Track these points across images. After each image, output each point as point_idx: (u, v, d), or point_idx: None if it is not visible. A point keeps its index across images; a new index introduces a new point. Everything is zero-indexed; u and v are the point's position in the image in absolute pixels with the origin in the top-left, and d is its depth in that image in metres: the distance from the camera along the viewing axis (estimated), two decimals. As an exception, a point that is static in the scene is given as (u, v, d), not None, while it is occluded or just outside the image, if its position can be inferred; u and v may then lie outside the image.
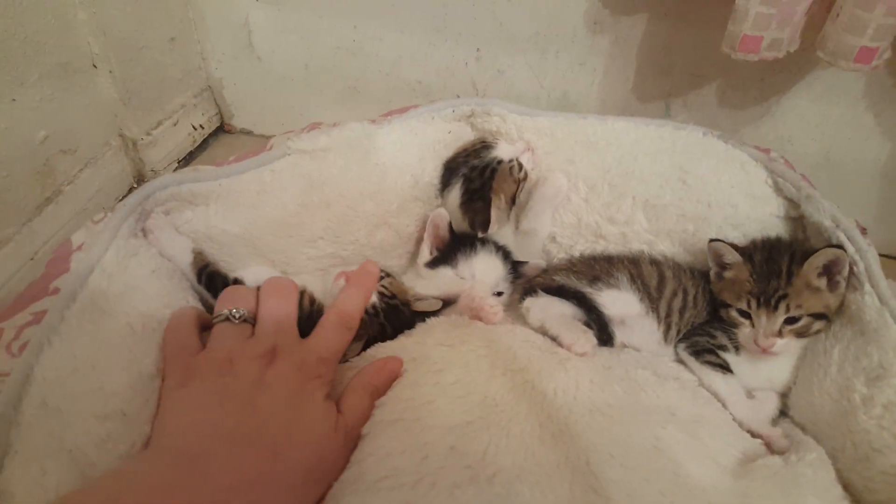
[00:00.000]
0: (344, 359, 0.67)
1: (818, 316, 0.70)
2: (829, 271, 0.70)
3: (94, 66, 1.10)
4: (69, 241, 0.64)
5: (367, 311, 0.72)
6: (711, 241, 0.76)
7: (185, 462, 0.47)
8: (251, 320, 0.62)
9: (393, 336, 0.73)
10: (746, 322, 0.73)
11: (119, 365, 0.55)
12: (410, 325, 0.74)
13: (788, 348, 0.72)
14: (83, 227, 0.66)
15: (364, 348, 0.71)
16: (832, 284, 0.70)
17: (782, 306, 0.70)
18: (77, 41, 1.06)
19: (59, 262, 0.61)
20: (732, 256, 0.74)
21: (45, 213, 1.04)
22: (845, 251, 0.69)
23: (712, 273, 0.78)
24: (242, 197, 0.77)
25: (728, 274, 0.75)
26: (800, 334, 0.71)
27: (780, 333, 0.71)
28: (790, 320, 0.70)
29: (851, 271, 0.70)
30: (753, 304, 0.72)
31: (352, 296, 0.67)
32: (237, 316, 0.61)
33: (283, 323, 0.62)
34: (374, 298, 0.74)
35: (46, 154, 1.03)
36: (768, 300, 0.70)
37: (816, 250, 0.69)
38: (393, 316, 0.74)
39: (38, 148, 1.01)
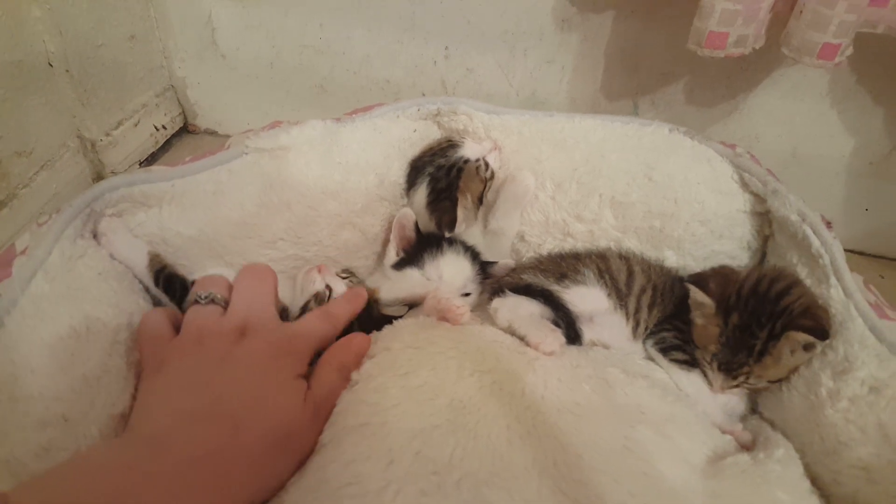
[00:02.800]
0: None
1: (778, 381, 0.69)
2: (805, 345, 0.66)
3: (50, 65, 1.07)
4: (13, 245, 0.62)
5: None
6: (689, 278, 0.73)
7: (144, 443, 0.48)
8: (222, 303, 0.62)
9: None
10: (706, 368, 0.71)
11: (61, 369, 0.54)
12: (378, 326, 0.72)
13: (742, 393, 0.72)
14: (28, 230, 0.64)
15: None
16: (808, 349, 0.66)
17: (742, 377, 0.69)
18: (31, 39, 1.02)
19: (2, 267, 0.58)
20: (703, 299, 0.70)
21: (-2, 217, 1.00)
22: (824, 326, 0.64)
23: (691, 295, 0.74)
24: (197, 198, 0.75)
25: (698, 318, 0.72)
26: (754, 391, 0.71)
27: (736, 386, 0.70)
28: (747, 383, 0.70)
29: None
30: (714, 364, 0.70)
31: (341, 303, 0.69)
32: (204, 296, 0.61)
33: (257, 301, 0.62)
34: (344, 290, 0.73)
35: (0, 156, 1.00)
36: (729, 369, 0.69)
37: (799, 324, 0.65)
38: (362, 313, 0.72)
39: (-10, 150, 0.98)
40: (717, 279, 0.71)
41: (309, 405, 0.56)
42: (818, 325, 0.64)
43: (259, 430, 0.51)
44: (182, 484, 0.45)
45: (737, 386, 0.70)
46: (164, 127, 1.35)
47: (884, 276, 1.14)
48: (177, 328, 0.61)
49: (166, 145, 1.36)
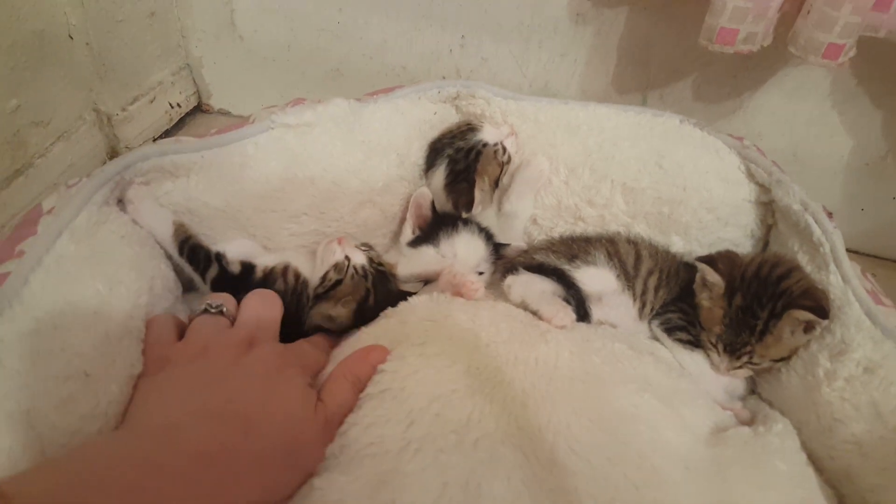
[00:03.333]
0: (333, 327, 0.68)
1: (780, 360, 0.72)
2: (806, 322, 0.69)
3: (71, 38, 1.08)
4: (39, 205, 0.62)
5: (356, 272, 0.73)
6: (698, 259, 0.76)
7: (152, 435, 0.47)
8: (230, 316, 0.62)
9: (376, 309, 0.73)
10: (712, 350, 0.75)
11: (83, 326, 0.54)
12: (395, 300, 0.74)
13: (746, 374, 0.75)
14: (55, 191, 0.64)
15: (355, 324, 0.71)
16: (808, 328, 0.69)
17: (745, 357, 0.72)
18: (53, 10, 1.03)
19: (27, 226, 0.58)
20: (713, 278, 0.74)
21: (14, 186, 1.01)
22: (823, 306, 0.67)
23: (697, 276, 0.77)
24: (224, 170, 0.76)
25: (705, 299, 0.75)
26: (757, 371, 0.74)
27: (740, 366, 0.74)
28: (751, 362, 0.73)
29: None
30: (720, 346, 0.73)
31: (321, 339, 0.70)
32: (214, 306, 0.61)
33: (264, 319, 0.62)
34: (363, 261, 0.74)
35: (17, 125, 1.00)
36: (733, 350, 0.72)
37: (799, 304, 0.68)
38: (380, 284, 0.75)
39: (8, 118, 0.98)
40: (723, 261, 0.74)
41: (320, 416, 0.54)
42: (818, 305, 0.68)
43: (269, 435, 0.50)
44: (190, 479, 0.44)
45: (741, 367, 0.73)
46: (178, 105, 1.35)
47: (876, 274, 1.17)
48: (182, 335, 0.61)
49: (180, 123, 1.37)
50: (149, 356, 0.57)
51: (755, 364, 0.72)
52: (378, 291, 0.75)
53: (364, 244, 0.79)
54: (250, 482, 0.47)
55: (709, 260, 0.75)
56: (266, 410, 0.51)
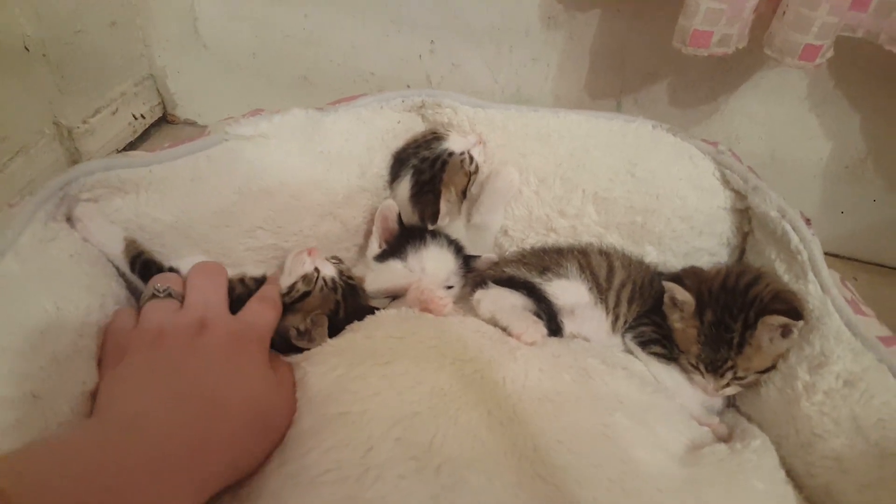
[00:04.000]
0: (308, 346, 0.67)
1: (765, 370, 0.69)
2: (782, 327, 0.67)
3: (27, 49, 1.05)
4: None
5: (325, 284, 0.71)
6: (664, 279, 0.74)
7: (120, 420, 0.48)
8: (178, 297, 0.62)
9: (345, 321, 0.71)
10: (696, 372, 0.72)
11: (30, 347, 0.53)
12: (364, 315, 0.72)
13: (737, 391, 0.72)
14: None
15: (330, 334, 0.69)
16: (785, 332, 0.67)
17: (729, 374, 0.69)
18: (7, 21, 1.00)
19: None
20: (683, 296, 0.71)
21: (-29, 203, 0.98)
22: (796, 307, 0.66)
23: (666, 297, 0.75)
24: (176, 184, 0.73)
25: (677, 320, 0.73)
26: (745, 385, 0.71)
27: (726, 384, 0.71)
28: (736, 378, 0.70)
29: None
30: (701, 367, 0.71)
31: (272, 287, 0.69)
32: (161, 290, 0.61)
33: (212, 298, 0.62)
34: (333, 273, 0.73)
35: (-26, 141, 0.98)
36: (715, 369, 0.70)
37: (772, 309, 0.66)
38: (350, 297, 0.73)
39: (-36, 134, 0.96)
40: (690, 277, 0.72)
41: (284, 385, 0.57)
42: (790, 307, 0.66)
43: (236, 414, 0.51)
44: (160, 461, 0.44)
45: (727, 384, 0.70)
46: (142, 116, 1.32)
47: (857, 278, 1.16)
48: None
49: (144, 135, 1.34)
50: (107, 348, 0.58)
51: (741, 379, 0.70)
52: (348, 304, 0.73)
53: (334, 257, 0.76)
54: (220, 456, 0.49)
55: (675, 278, 0.73)
56: (230, 390, 0.53)
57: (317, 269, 0.72)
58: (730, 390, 0.72)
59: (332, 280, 0.72)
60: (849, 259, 1.19)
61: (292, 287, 0.71)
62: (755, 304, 0.68)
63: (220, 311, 0.61)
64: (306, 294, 0.70)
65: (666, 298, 0.74)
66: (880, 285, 1.15)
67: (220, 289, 0.64)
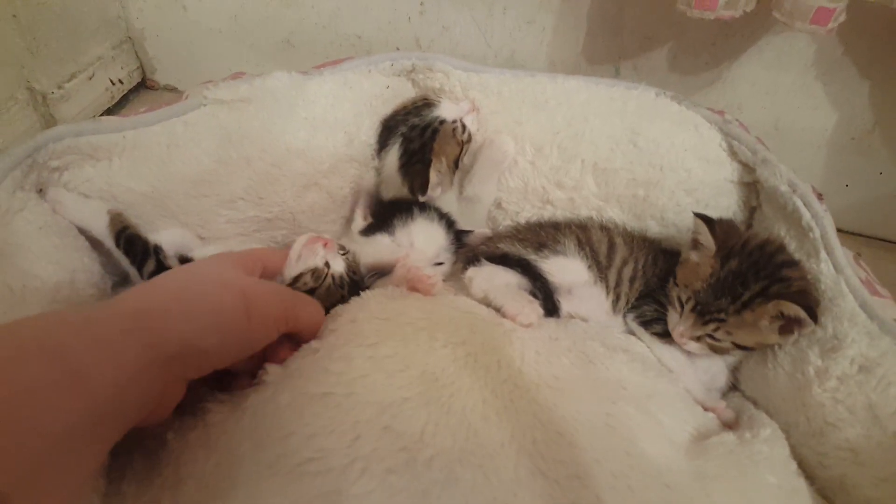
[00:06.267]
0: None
1: (743, 347, 0.67)
2: (788, 319, 0.64)
3: (-6, 10, 0.99)
4: None
5: (333, 281, 0.69)
6: (696, 215, 0.70)
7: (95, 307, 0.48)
8: None
9: None
10: (677, 309, 0.69)
11: None
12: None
13: (700, 352, 0.69)
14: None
15: None
16: (785, 329, 0.65)
17: (712, 325, 0.66)
18: (-25, -21, 0.95)
19: None
20: (706, 240, 0.68)
21: (-62, 172, 0.94)
22: (814, 312, 0.62)
23: (688, 241, 0.73)
24: (151, 151, 0.71)
25: (694, 255, 0.70)
26: (714, 350, 0.68)
27: (696, 338, 0.68)
28: (713, 336, 0.67)
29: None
30: (689, 304, 0.67)
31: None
32: None
33: None
34: (342, 270, 0.70)
35: (-59, 106, 0.93)
36: (704, 312, 0.66)
37: (793, 298, 0.62)
38: (352, 291, 0.70)
39: (-69, 99, 0.91)
40: (723, 225, 0.69)
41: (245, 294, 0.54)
42: (809, 307, 0.62)
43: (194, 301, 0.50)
44: (120, 330, 0.44)
45: (700, 337, 0.67)
46: (120, 81, 1.28)
47: (861, 253, 1.13)
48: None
49: (123, 101, 1.30)
50: None
51: (716, 340, 0.67)
52: (345, 285, 0.70)
53: (342, 247, 0.73)
54: (176, 333, 0.47)
55: (707, 220, 0.68)
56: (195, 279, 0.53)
57: (327, 264, 0.69)
58: (694, 346, 0.68)
59: (341, 277, 0.69)
60: (853, 234, 1.17)
61: (298, 278, 0.68)
62: (782, 283, 0.64)
63: None
64: (312, 290, 0.67)
65: (690, 234, 0.71)
66: (884, 261, 1.12)
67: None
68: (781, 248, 0.67)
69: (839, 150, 1.09)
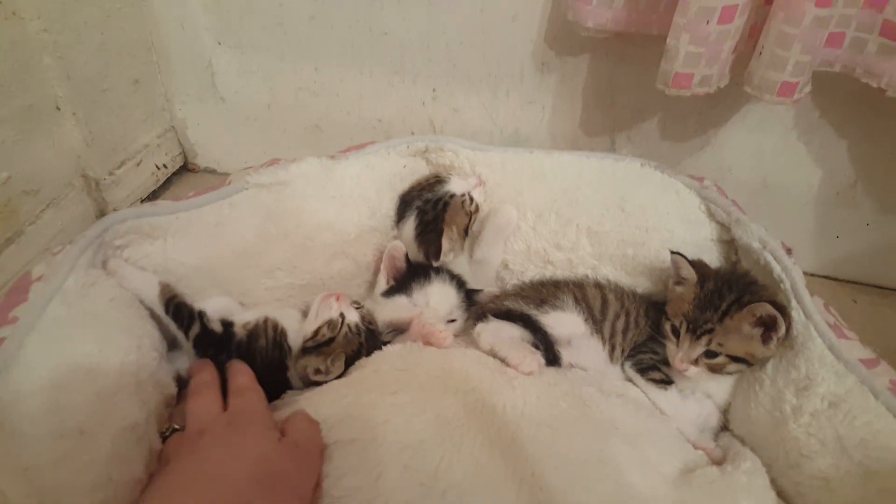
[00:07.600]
0: (325, 379, 0.71)
1: (736, 359, 0.73)
2: (765, 325, 0.71)
3: (58, 109, 1.11)
4: (28, 272, 0.65)
5: (349, 330, 0.75)
6: (672, 252, 0.78)
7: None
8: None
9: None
10: (673, 340, 0.76)
11: (77, 385, 0.57)
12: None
13: (701, 377, 0.75)
14: (43, 259, 0.67)
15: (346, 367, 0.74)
16: (766, 338, 0.71)
17: (705, 339, 0.73)
18: (42, 85, 1.07)
19: (18, 293, 0.62)
20: (687, 272, 0.76)
21: (6, 254, 1.03)
22: (783, 314, 0.69)
23: (671, 281, 0.81)
24: (201, 229, 0.79)
25: (679, 289, 0.78)
26: (713, 369, 0.74)
27: (695, 362, 0.74)
28: (709, 354, 0.73)
29: (788, 328, 0.71)
30: (683, 326, 0.75)
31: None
32: (167, 429, 0.65)
33: (205, 410, 0.64)
34: (357, 319, 0.77)
35: (8, 194, 1.03)
36: (696, 328, 0.73)
37: (764, 299, 0.70)
38: (370, 339, 0.77)
39: (0, 189, 1.02)
40: (697, 261, 0.78)
41: (285, 446, 0.57)
42: (780, 308, 0.69)
43: (238, 472, 0.52)
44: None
45: (698, 358, 0.73)
46: (164, 166, 1.38)
47: (857, 300, 1.18)
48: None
49: (167, 183, 1.40)
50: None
51: (712, 357, 0.73)
52: (369, 347, 0.77)
53: (356, 301, 0.80)
54: None
55: (684, 256, 0.77)
56: (231, 460, 0.54)
57: (342, 315, 0.76)
58: (694, 370, 0.74)
59: (356, 326, 0.76)
60: (848, 282, 1.22)
61: (317, 331, 0.75)
62: (751, 294, 0.72)
63: (213, 416, 0.63)
64: (330, 340, 0.74)
65: (671, 272, 0.79)
66: (881, 306, 1.17)
67: (213, 401, 0.65)
68: (749, 272, 0.77)
69: (826, 204, 1.15)
